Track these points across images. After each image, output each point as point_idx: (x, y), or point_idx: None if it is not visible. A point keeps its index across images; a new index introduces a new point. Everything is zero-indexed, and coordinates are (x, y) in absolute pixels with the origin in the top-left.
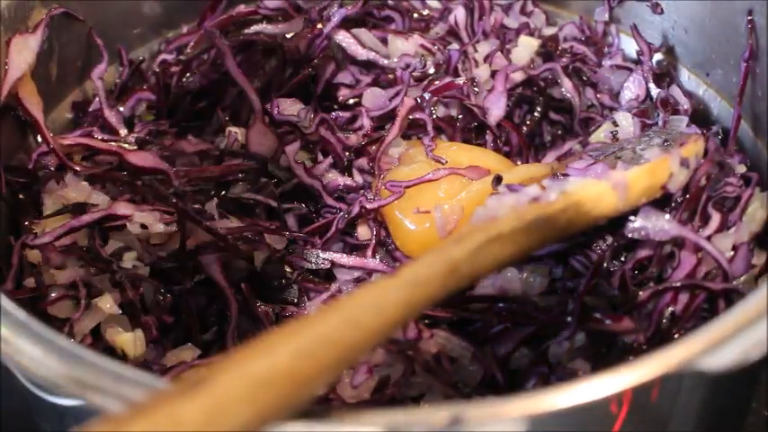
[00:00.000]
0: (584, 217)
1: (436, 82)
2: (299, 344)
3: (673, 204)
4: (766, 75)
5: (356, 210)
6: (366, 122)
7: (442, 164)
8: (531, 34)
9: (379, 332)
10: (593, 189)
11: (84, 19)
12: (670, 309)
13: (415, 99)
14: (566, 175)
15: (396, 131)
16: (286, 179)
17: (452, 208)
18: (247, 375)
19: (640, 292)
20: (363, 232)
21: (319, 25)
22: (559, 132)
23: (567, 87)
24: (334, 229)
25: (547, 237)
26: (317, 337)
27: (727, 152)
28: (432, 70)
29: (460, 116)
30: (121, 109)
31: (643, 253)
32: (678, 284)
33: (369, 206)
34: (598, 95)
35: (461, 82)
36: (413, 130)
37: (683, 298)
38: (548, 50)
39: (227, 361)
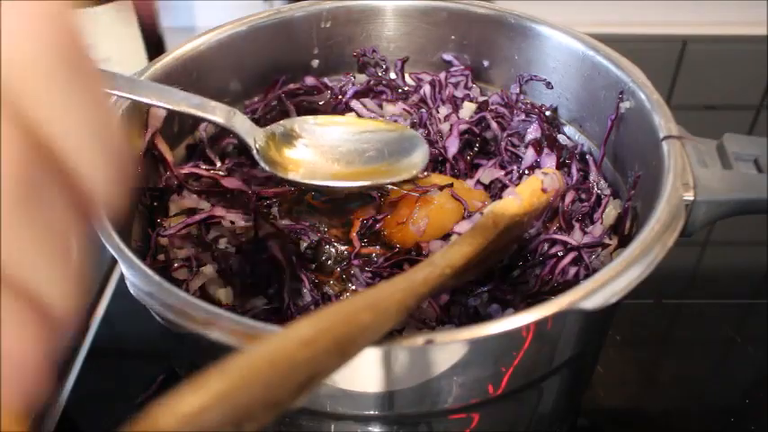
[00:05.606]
0: (502, 218)
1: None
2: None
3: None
4: (620, 129)
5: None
6: None
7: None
8: (471, 101)
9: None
10: (505, 202)
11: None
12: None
13: None
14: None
15: None
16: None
17: (421, 216)
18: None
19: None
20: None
21: (340, 96)
22: (486, 160)
23: (493, 127)
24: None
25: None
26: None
27: (597, 176)
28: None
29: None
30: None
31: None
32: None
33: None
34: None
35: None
36: None
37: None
38: (481, 110)
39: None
